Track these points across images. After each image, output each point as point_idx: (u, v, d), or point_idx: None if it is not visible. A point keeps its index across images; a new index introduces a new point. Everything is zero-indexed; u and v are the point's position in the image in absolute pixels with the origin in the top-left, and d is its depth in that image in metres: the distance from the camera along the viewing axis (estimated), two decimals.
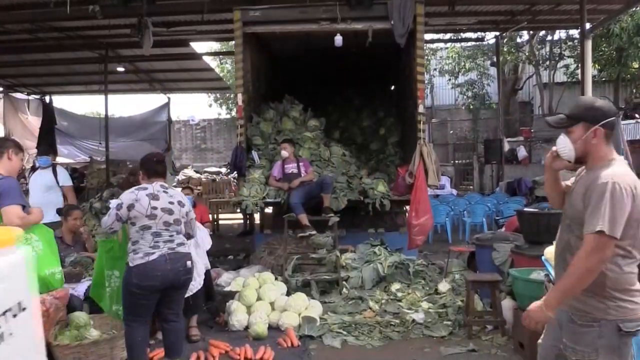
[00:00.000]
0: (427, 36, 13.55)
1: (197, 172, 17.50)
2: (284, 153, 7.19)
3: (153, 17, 8.38)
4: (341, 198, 7.15)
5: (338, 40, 7.28)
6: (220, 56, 21.81)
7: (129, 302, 3.79)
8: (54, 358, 4.08)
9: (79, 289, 4.82)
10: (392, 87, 11.43)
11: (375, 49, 7.59)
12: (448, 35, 15.31)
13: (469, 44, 18.83)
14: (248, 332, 5.00)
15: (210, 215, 8.56)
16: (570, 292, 2.27)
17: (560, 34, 18.26)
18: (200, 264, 4.96)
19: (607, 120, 2.33)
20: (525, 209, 6.44)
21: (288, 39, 8.29)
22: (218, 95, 24.55)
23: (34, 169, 7.26)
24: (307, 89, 10.32)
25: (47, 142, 12.92)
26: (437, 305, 5.48)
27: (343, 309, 5.53)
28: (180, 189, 6.71)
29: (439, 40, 17.07)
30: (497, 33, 12.71)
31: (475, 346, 4.59)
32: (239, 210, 10.26)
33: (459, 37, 14.13)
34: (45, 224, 3.49)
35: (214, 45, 21.18)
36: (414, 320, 5.13)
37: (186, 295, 4.59)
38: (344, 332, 4.96)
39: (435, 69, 22.28)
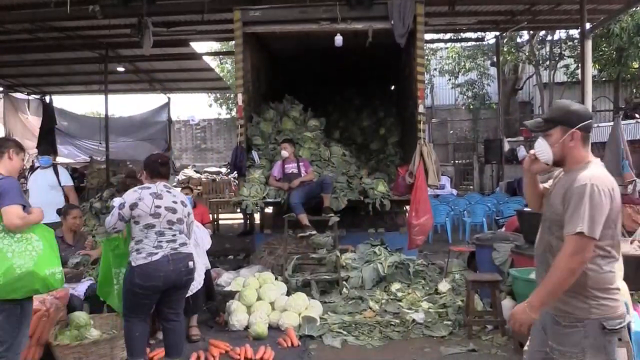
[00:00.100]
0: (427, 36, 13.55)
1: (197, 172, 17.51)
2: (284, 153, 7.19)
3: (153, 17, 8.38)
4: (341, 198, 7.16)
5: (338, 40, 7.28)
6: (220, 56, 21.80)
7: (131, 301, 3.80)
8: (54, 358, 4.09)
9: (79, 289, 4.83)
10: (392, 87, 11.43)
11: (375, 49, 7.58)
12: (448, 35, 15.31)
13: (469, 44, 18.83)
14: (248, 332, 5.01)
15: (210, 216, 8.56)
16: (553, 293, 2.29)
17: (560, 34, 18.27)
18: (200, 263, 4.96)
19: (583, 124, 2.39)
20: (525, 209, 6.42)
21: (288, 39, 8.29)
22: (218, 95, 24.54)
23: (32, 168, 7.26)
24: (307, 89, 10.32)
25: (47, 142, 12.94)
26: (437, 305, 5.48)
27: (343, 308, 5.54)
28: (180, 189, 6.71)
29: (439, 40, 17.07)
30: (497, 33, 12.72)
31: (476, 346, 4.59)
32: (239, 210, 10.26)
33: (459, 37, 14.13)
34: (46, 224, 3.48)
35: (214, 45, 21.19)
36: (414, 320, 5.14)
37: (186, 295, 4.60)
38: (344, 332, 4.96)
39: (435, 69, 22.27)
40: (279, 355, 4.52)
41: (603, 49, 16.23)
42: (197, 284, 4.81)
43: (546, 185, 2.61)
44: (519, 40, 19.21)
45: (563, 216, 2.31)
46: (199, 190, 13.86)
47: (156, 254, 3.71)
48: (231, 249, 9.27)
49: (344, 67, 10.15)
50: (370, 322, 5.15)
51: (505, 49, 17.98)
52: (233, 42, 8.56)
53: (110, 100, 12.46)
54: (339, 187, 7.32)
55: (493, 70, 18.57)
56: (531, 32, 16.81)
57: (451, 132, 22.86)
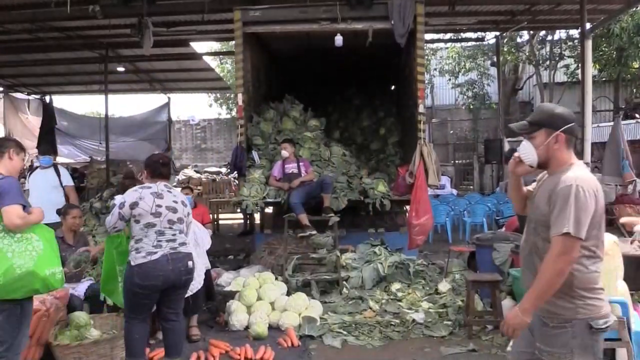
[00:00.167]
0: (427, 36, 13.55)
1: (197, 172, 17.51)
2: (284, 153, 7.19)
3: (153, 17, 8.37)
4: (341, 198, 7.15)
5: (338, 40, 7.28)
6: (221, 56, 21.80)
7: (131, 301, 3.80)
8: (54, 358, 4.09)
9: (79, 289, 4.82)
10: (392, 87, 11.43)
11: (375, 49, 7.59)
12: (448, 35, 15.30)
13: (469, 44, 18.82)
14: (248, 332, 5.01)
15: (210, 216, 8.56)
16: (544, 294, 2.31)
17: (560, 34, 18.26)
18: (200, 263, 4.96)
19: (568, 126, 2.42)
20: None
21: (288, 39, 8.29)
22: (218, 95, 24.54)
23: (31, 168, 7.25)
24: (307, 89, 10.32)
25: (47, 142, 12.94)
26: (438, 305, 5.49)
27: (343, 308, 5.54)
28: (180, 189, 6.71)
29: (439, 40, 17.06)
30: (497, 33, 12.71)
31: (476, 346, 4.59)
32: (239, 210, 10.27)
33: (459, 37, 14.12)
34: (46, 224, 3.48)
35: (214, 45, 21.19)
36: (414, 320, 5.14)
37: (186, 295, 4.60)
38: (344, 332, 4.96)
39: (435, 69, 22.26)
40: (279, 355, 4.52)
41: (603, 49, 16.22)
42: (197, 284, 4.81)
43: (530, 188, 2.65)
44: (519, 40, 19.21)
45: (549, 217, 2.34)
46: (199, 190, 13.86)
47: (155, 253, 3.71)
48: (231, 249, 9.27)
49: (344, 67, 10.15)
50: (371, 322, 5.15)
51: (505, 49, 17.97)
52: (233, 42, 8.55)
53: (110, 100, 12.45)
54: (339, 187, 7.32)
55: (493, 70, 18.55)
56: (531, 32, 16.80)
57: (451, 132, 22.86)
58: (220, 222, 12.23)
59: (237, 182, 9.10)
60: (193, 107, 39.43)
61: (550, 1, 9.33)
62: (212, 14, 8.65)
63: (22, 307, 3.24)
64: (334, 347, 4.69)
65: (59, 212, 5.22)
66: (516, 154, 2.55)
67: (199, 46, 37.31)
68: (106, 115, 12.62)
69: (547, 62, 19.08)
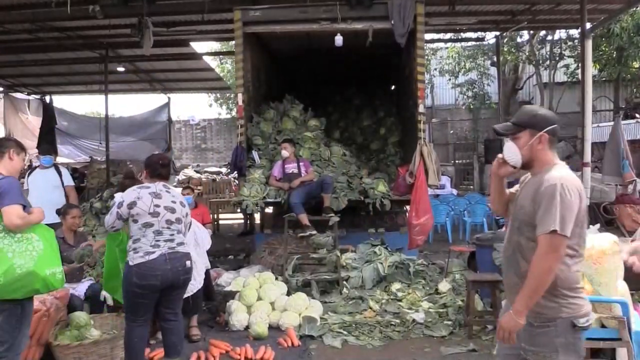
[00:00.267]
0: (428, 36, 13.53)
1: (197, 172, 17.51)
2: (285, 153, 7.19)
3: (153, 17, 8.36)
4: (341, 198, 7.15)
5: (338, 40, 7.28)
6: (221, 56, 21.80)
7: (130, 301, 3.81)
8: (54, 358, 4.09)
9: (79, 289, 4.83)
10: (393, 87, 11.43)
11: (375, 48, 7.59)
12: (448, 35, 15.29)
13: (469, 43, 18.80)
14: (248, 332, 5.01)
15: (210, 216, 8.57)
16: (535, 294, 2.33)
17: (560, 33, 18.24)
18: (200, 263, 4.97)
19: (551, 127, 2.47)
20: None
21: (288, 39, 8.29)
22: (218, 95, 24.54)
23: (30, 167, 7.25)
24: (307, 89, 10.32)
25: (47, 142, 12.94)
26: (438, 305, 5.49)
27: (343, 308, 5.54)
28: (180, 189, 6.72)
29: (439, 40, 17.05)
30: (497, 33, 12.69)
31: (476, 346, 4.59)
32: (239, 210, 10.27)
33: (459, 37, 14.11)
34: (47, 224, 3.48)
35: (214, 45, 21.19)
36: (414, 320, 5.14)
37: (186, 295, 4.60)
38: (345, 332, 4.97)
39: (435, 69, 22.25)
40: (279, 355, 4.52)
41: (603, 48, 16.21)
42: (197, 284, 4.82)
43: (512, 190, 2.69)
44: (519, 40, 19.19)
45: (533, 216, 2.37)
46: (199, 190, 13.86)
47: (153, 252, 3.71)
48: (231, 249, 9.28)
49: (344, 67, 10.15)
50: (371, 322, 5.15)
51: (505, 49, 17.95)
52: (233, 42, 8.55)
53: (110, 100, 12.43)
54: (339, 187, 7.32)
55: (493, 70, 18.55)
56: (531, 32, 16.79)
57: (451, 132, 22.85)
58: (221, 222, 12.23)
59: (237, 182, 9.09)
60: (193, 107, 39.40)
61: (551, 1, 9.32)
62: (212, 14, 8.63)
63: (23, 307, 3.24)
64: (334, 347, 4.70)
65: (58, 212, 5.22)
66: (500, 156, 2.59)
67: (199, 46, 37.31)
68: (106, 115, 12.62)
69: (547, 62, 19.07)
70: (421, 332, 4.97)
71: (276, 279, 5.85)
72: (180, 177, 16.79)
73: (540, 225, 2.32)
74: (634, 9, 13.37)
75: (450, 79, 21.81)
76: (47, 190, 6.34)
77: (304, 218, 6.61)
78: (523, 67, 20.48)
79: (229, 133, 24.65)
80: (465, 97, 21.97)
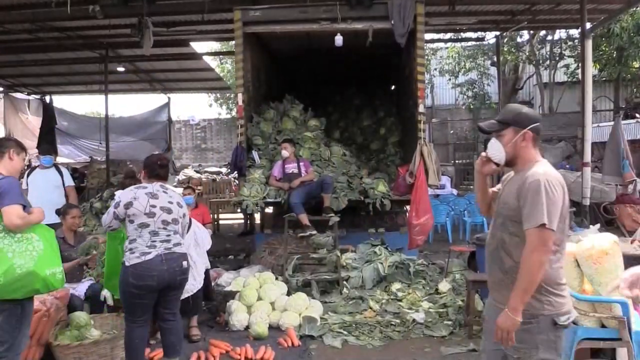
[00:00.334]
0: (428, 36, 13.54)
1: (197, 172, 17.50)
2: (285, 153, 7.19)
3: (153, 17, 8.36)
4: (341, 198, 7.15)
5: (338, 40, 7.27)
6: (221, 56, 21.80)
7: (128, 302, 3.81)
8: (54, 358, 4.09)
9: (80, 288, 4.83)
10: (393, 87, 11.42)
11: (375, 48, 7.58)
12: (448, 35, 15.29)
13: (469, 43, 18.82)
14: (248, 332, 5.01)
15: (210, 216, 8.57)
16: (529, 289, 2.34)
17: (560, 33, 18.28)
18: (200, 263, 4.97)
19: (534, 125, 2.51)
20: None
21: (288, 39, 8.29)
22: (218, 95, 24.56)
23: (29, 167, 7.25)
24: (307, 89, 10.31)
25: (47, 142, 12.94)
26: (438, 305, 5.49)
27: (343, 308, 5.54)
28: (182, 189, 6.72)
29: (439, 40, 17.05)
30: (498, 33, 12.68)
31: (476, 346, 4.57)
32: (239, 210, 10.27)
33: (459, 37, 14.11)
34: (47, 225, 3.48)
35: (214, 45, 21.21)
36: (414, 320, 5.14)
37: (186, 296, 4.61)
38: (345, 332, 4.97)
39: (435, 69, 22.27)
40: (280, 355, 4.52)
41: (603, 48, 16.23)
42: (197, 284, 4.82)
43: (494, 189, 2.72)
44: (519, 40, 19.22)
45: (518, 212, 2.40)
46: (199, 190, 13.86)
47: (149, 253, 3.71)
48: (231, 249, 9.27)
49: (344, 67, 10.15)
50: (371, 322, 5.15)
51: (505, 49, 17.97)
52: (233, 42, 8.54)
53: (110, 100, 12.43)
54: (339, 187, 7.32)
55: (493, 70, 18.57)
56: (531, 32, 16.81)
57: (451, 132, 22.86)
58: (221, 222, 12.23)
59: (237, 182, 9.09)
60: (193, 107, 39.46)
61: (551, 1, 9.32)
62: (212, 14, 8.63)
63: (23, 307, 3.24)
64: (334, 347, 4.70)
65: (58, 212, 5.22)
66: (483, 153, 2.62)
67: (199, 46, 37.35)
68: (106, 115, 12.62)
69: (547, 62, 19.10)
70: (421, 332, 4.97)
71: (276, 279, 5.85)
72: (181, 177, 16.79)
73: (528, 220, 2.34)
74: (634, 9, 13.37)
75: (450, 79, 21.83)
76: (47, 190, 6.33)
77: (304, 218, 6.61)
78: (523, 67, 20.50)
79: (229, 133, 24.66)
80: (465, 97, 21.99)
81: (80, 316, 4.26)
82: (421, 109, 7.19)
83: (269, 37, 8.13)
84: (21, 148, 3.49)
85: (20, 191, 3.27)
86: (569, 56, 18.30)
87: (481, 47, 19.99)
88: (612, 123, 11.85)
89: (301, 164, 7.24)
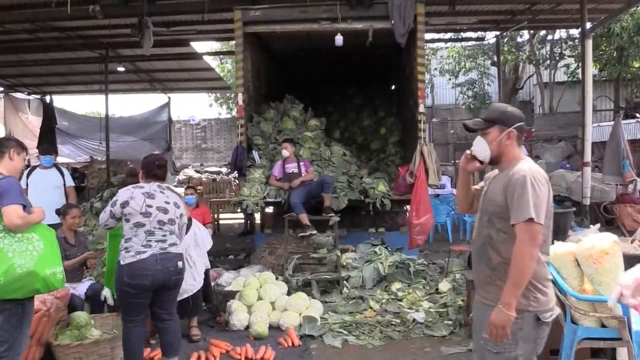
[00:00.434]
0: (428, 36, 13.54)
1: (197, 171, 17.50)
2: (285, 153, 7.19)
3: (153, 16, 8.36)
4: (342, 198, 7.15)
5: (338, 39, 7.27)
6: (221, 56, 21.80)
7: (123, 301, 3.82)
8: (54, 358, 4.09)
9: (80, 288, 4.83)
10: (393, 87, 11.42)
11: (375, 48, 7.58)
12: (448, 35, 15.28)
13: (470, 43, 18.84)
14: (249, 332, 5.01)
15: (211, 215, 8.57)
16: (521, 284, 2.36)
17: (560, 33, 18.27)
18: (200, 263, 4.96)
19: (518, 124, 2.57)
20: None
21: (288, 39, 8.29)
22: (218, 95, 24.57)
23: (29, 167, 7.24)
24: (307, 89, 10.31)
25: (47, 142, 12.94)
26: (438, 305, 5.49)
27: (344, 308, 5.54)
28: (183, 189, 6.71)
29: (439, 40, 17.06)
30: (498, 33, 12.68)
31: None
32: (239, 210, 10.25)
33: (460, 37, 14.10)
34: (48, 225, 3.48)
35: (215, 45, 21.23)
36: (414, 320, 5.14)
37: (186, 296, 4.61)
38: (345, 332, 4.96)
39: (435, 69, 22.28)
40: (280, 355, 4.52)
41: (603, 48, 16.23)
42: (197, 284, 4.82)
43: (477, 186, 2.75)
44: (519, 39, 19.23)
45: (505, 208, 2.43)
46: (199, 190, 13.86)
47: (144, 252, 3.72)
48: (232, 249, 9.28)
49: (344, 67, 10.14)
50: (371, 322, 5.15)
51: (505, 49, 17.97)
52: (233, 42, 8.54)
53: (110, 100, 12.43)
54: (339, 186, 7.32)
55: (493, 70, 18.57)
56: (531, 31, 16.81)
57: (451, 131, 22.84)
58: (221, 222, 12.23)
59: (237, 181, 9.09)
60: (193, 107, 39.56)
61: (551, 1, 9.32)
62: (212, 14, 8.63)
63: (23, 307, 3.24)
64: (334, 347, 4.70)
65: (58, 212, 5.22)
66: (468, 151, 2.65)
67: (199, 46, 37.37)
68: (106, 115, 12.62)
69: (548, 62, 19.10)
70: (421, 332, 4.97)
71: (276, 278, 5.85)
72: (181, 177, 16.79)
73: (516, 215, 2.36)
74: (634, 8, 13.37)
75: (450, 79, 21.84)
76: (47, 190, 6.33)
77: (304, 218, 6.61)
78: (523, 66, 20.50)
79: (229, 133, 24.68)
80: (465, 96, 21.99)
81: (81, 316, 4.26)
82: (421, 108, 7.19)
83: (269, 37, 8.13)
84: (22, 148, 3.49)
85: (21, 191, 3.27)
86: (569, 56, 18.30)
87: (481, 47, 20.00)
88: (612, 123, 11.85)
89: (301, 163, 7.24)
